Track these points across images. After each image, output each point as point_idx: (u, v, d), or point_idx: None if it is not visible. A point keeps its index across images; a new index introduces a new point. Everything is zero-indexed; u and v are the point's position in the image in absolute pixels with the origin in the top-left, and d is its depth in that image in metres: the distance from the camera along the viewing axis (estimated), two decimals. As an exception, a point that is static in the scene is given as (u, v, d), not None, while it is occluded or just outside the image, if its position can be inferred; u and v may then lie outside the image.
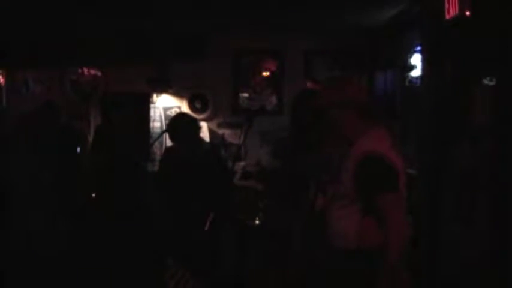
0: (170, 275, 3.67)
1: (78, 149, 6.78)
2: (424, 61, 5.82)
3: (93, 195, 5.79)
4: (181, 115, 5.62)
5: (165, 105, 8.39)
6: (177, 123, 4.58)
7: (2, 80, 8.41)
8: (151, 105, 8.22)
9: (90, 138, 7.91)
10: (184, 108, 8.28)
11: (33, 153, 4.19)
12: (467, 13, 4.48)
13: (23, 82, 8.47)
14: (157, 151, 8.01)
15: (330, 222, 3.23)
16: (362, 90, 3.21)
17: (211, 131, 8.14)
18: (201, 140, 5.04)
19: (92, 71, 8.35)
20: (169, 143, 7.65)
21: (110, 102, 7.02)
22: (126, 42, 7.89)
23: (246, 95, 8.36)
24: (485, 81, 4.72)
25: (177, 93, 8.35)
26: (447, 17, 4.77)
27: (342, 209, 3.14)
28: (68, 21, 7.06)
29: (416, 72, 6.27)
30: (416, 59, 6.28)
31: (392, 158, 3.01)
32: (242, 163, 7.53)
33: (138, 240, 3.86)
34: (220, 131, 8.29)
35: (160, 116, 8.37)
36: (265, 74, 8.35)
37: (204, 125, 7.73)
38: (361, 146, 3.08)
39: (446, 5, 4.76)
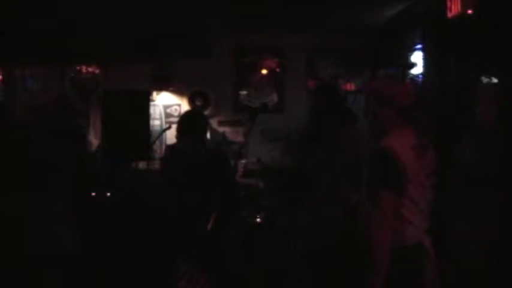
0: (180, 276, 3.67)
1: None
2: (426, 59, 5.83)
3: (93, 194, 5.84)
4: (193, 112, 5.61)
5: (164, 103, 8.39)
6: (191, 120, 4.56)
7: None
8: (151, 103, 8.19)
9: (90, 136, 7.95)
10: (185, 106, 8.27)
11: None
12: (470, 11, 4.48)
13: (21, 79, 8.45)
14: (157, 149, 8.01)
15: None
16: (408, 93, 3.24)
17: (212, 129, 8.13)
18: (207, 138, 5.04)
19: (91, 68, 8.32)
20: (169, 141, 7.76)
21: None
22: (127, 40, 7.87)
23: (246, 92, 8.34)
24: (486, 79, 4.73)
25: (177, 91, 8.34)
26: (449, 15, 4.77)
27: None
28: (68, 17, 7.03)
29: (416, 70, 6.27)
30: (416, 57, 6.28)
31: (403, 156, 3.01)
32: (243, 161, 7.52)
33: (148, 240, 3.84)
34: (221, 129, 8.29)
35: (160, 114, 8.36)
36: (265, 71, 8.33)
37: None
38: (380, 141, 3.10)
39: (449, 4, 4.76)
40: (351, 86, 8.07)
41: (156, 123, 8.29)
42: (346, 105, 4.74)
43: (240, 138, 8.02)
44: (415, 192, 3.06)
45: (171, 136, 6.90)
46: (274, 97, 8.29)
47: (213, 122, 8.24)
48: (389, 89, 3.25)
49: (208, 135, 7.30)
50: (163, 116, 8.37)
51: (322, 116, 4.55)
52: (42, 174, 4.10)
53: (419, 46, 6.13)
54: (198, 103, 8.27)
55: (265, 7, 6.48)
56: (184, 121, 4.60)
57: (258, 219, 6.24)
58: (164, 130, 7.37)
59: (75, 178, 4.21)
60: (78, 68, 8.31)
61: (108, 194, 6.13)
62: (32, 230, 4.03)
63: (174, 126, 5.73)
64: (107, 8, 6.58)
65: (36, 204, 4.07)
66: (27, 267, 3.97)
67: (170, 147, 5.35)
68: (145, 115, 7.75)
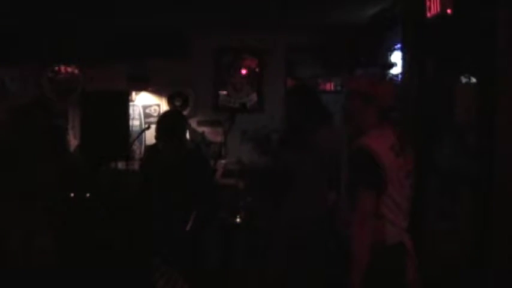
0: (159, 275, 3.64)
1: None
2: (405, 59, 5.84)
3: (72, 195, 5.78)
4: (172, 112, 5.58)
5: (144, 103, 8.34)
6: (170, 121, 4.54)
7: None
8: (130, 104, 8.13)
9: (69, 137, 7.89)
10: (164, 106, 8.23)
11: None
12: (449, 11, 4.50)
13: (-1, 80, 8.37)
14: (137, 149, 7.96)
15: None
16: (390, 93, 3.24)
17: (191, 129, 8.08)
18: (186, 138, 5.02)
19: (69, 69, 8.26)
20: (148, 141, 7.72)
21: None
22: (105, 40, 7.81)
23: (225, 92, 8.31)
24: (464, 79, 4.75)
25: (156, 91, 8.30)
26: (428, 15, 4.78)
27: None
28: (46, 18, 6.97)
29: (396, 70, 6.28)
30: (396, 57, 6.29)
31: (383, 156, 3.01)
32: (223, 161, 7.50)
33: (126, 240, 3.81)
34: (200, 129, 8.25)
35: (139, 114, 8.32)
36: (244, 71, 8.31)
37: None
38: (360, 141, 3.09)
39: (428, 3, 4.77)
40: (330, 86, 8.08)
41: (135, 123, 8.24)
42: (323, 104, 4.72)
43: (219, 138, 7.99)
44: (395, 191, 3.06)
45: (150, 136, 6.84)
46: (254, 97, 8.28)
47: (192, 122, 8.19)
48: (372, 87, 3.24)
49: (187, 136, 7.30)
50: (142, 116, 8.33)
51: (299, 116, 4.54)
52: (24, 176, 4.05)
53: (398, 46, 6.14)
54: (177, 103, 8.23)
55: (246, 7, 6.48)
56: (164, 121, 4.58)
57: (238, 220, 6.23)
58: (143, 130, 7.31)
59: (55, 179, 4.16)
60: (56, 68, 8.24)
61: (88, 194, 6.08)
62: (13, 232, 3.99)
63: (153, 127, 5.70)
64: (85, 8, 6.53)
65: (18, 207, 4.03)
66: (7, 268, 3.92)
67: (149, 148, 5.33)
68: (125, 115, 7.70)
